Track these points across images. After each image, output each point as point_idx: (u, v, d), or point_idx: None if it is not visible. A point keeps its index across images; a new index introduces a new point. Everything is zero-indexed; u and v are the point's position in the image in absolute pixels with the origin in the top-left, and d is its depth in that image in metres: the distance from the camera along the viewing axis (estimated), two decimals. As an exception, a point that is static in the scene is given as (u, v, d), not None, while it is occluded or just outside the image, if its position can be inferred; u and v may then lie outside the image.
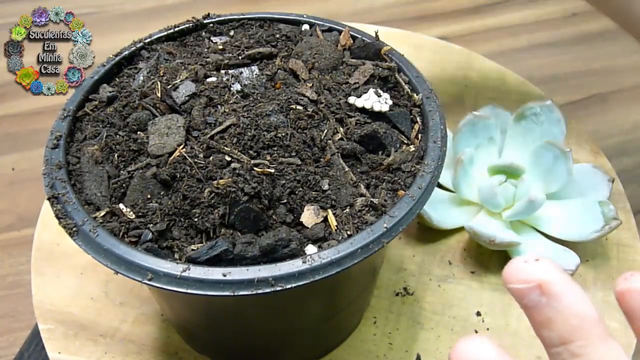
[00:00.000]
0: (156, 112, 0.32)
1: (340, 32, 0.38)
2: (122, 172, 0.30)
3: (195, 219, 0.28)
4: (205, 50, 0.37)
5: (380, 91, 0.33)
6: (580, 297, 0.20)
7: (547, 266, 0.20)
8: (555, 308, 0.20)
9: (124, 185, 0.30)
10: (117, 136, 0.32)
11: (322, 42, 0.36)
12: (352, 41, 0.38)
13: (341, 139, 0.32)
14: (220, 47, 0.37)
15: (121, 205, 0.29)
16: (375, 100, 0.33)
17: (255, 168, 0.28)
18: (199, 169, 0.28)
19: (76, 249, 0.27)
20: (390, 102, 0.33)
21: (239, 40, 0.37)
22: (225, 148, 0.29)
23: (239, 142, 0.29)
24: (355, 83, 0.34)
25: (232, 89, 0.32)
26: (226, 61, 0.34)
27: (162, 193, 0.29)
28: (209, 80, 0.33)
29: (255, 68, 0.34)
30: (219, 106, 0.31)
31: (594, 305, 0.21)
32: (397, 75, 0.35)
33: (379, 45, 0.37)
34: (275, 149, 0.29)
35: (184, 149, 0.29)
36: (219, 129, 0.30)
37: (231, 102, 0.31)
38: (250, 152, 0.29)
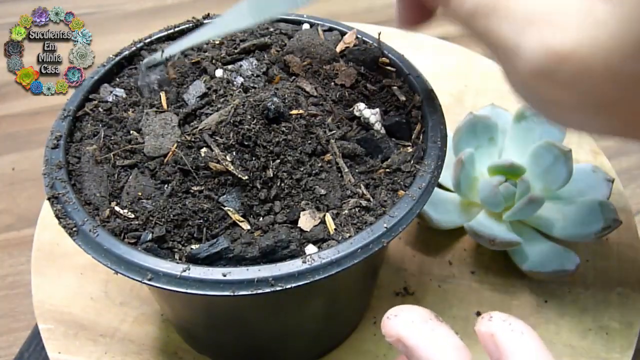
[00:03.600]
0: (151, 110, 0.32)
1: (340, 32, 0.38)
2: (120, 172, 0.30)
3: (194, 219, 0.28)
4: (205, 45, 0.37)
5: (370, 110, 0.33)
6: (434, 347, 0.22)
7: (403, 321, 0.22)
8: (415, 358, 0.22)
9: (122, 185, 0.30)
10: (115, 136, 0.32)
11: (316, 39, 0.36)
12: (356, 42, 0.38)
13: (342, 137, 0.32)
14: (217, 42, 0.37)
15: (120, 205, 0.29)
16: (371, 115, 0.33)
17: (253, 163, 0.28)
18: (195, 169, 0.28)
19: (76, 248, 0.27)
20: (379, 118, 0.33)
21: (234, 34, 0.37)
22: (220, 145, 0.29)
23: (236, 138, 0.29)
24: (342, 85, 0.34)
25: (234, 83, 0.32)
26: (223, 54, 0.34)
27: (160, 193, 0.29)
28: (216, 76, 0.33)
29: (253, 60, 0.34)
30: (214, 103, 0.31)
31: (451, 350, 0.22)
32: (393, 87, 0.35)
33: (377, 52, 0.37)
34: (274, 146, 0.29)
35: (179, 149, 0.29)
36: (214, 126, 0.30)
37: (229, 98, 0.31)
38: (248, 148, 0.29)
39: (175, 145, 0.30)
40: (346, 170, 0.30)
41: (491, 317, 0.23)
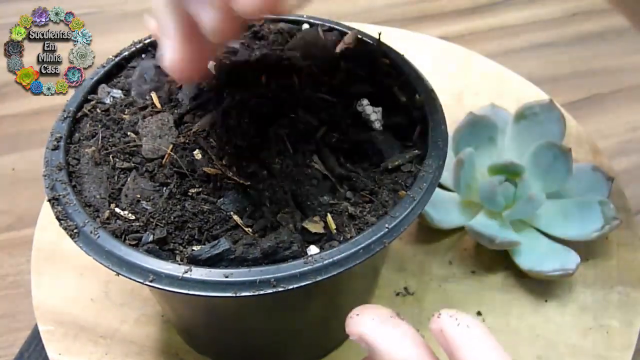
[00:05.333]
0: (147, 111, 0.32)
1: (340, 32, 0.38)
2: (119, 173, 0.30)
3: (195, 221, 0.28)
4: None
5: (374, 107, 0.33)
6: (394, 344, 0.23)
7: (364, 319, 0.24)
8: (376, 355, 0.23)
9: (122, 186, 0.30)
10: (113, 138, 0.32)
11: (316, 38, 0.36)
12: (355, 42, 0.38)
13: (342, 137, 0.31)
14: None
15: (121, 207, 0.29)
16: (372, 112, 0.33)
17: (249, 164, 0.28)
18: (191, 172, 0.28)
19: (76, 249, 0.27)
20: (380, 117, 0.33)
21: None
22: (214, 148, 0.29)
23: (232, 142, 0.29)
24: (342, 83, 0.34)
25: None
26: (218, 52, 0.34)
27: (159, 195, 0.29)
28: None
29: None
30: (209, 103, 0.31)
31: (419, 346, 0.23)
32: (393, 88, 0.35)
33: (377, 52, 0.37)
34: (273, 145, 0.29)
35: (174, 152, 0.29)
36: (208, 127, 0.30)
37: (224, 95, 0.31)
38: (243, 149, 0.29)
39: (171, 147, 0.30)
40: (347, 170, 0.30)
41: (439, 314, 0.24)
